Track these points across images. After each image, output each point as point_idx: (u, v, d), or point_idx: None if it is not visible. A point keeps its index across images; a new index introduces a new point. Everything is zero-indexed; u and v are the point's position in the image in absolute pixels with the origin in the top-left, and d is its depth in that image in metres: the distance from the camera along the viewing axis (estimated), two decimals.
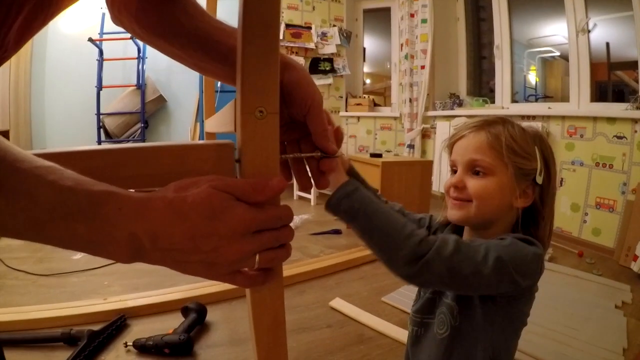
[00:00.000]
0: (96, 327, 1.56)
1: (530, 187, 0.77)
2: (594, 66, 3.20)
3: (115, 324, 1.64)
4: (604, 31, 3.15)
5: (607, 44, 3.16)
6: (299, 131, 0.58)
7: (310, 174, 0.61)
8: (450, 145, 0.84)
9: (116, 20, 0.65)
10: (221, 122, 0.79)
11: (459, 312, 0.77)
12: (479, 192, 0.76)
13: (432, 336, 0.82)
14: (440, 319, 0.80)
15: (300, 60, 4.84)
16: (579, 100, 3.25)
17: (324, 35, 5.09)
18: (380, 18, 5.28)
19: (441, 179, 4.29)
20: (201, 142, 0.51)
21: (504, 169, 0.75)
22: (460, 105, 4.35)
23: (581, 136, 3.07)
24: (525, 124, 0.81)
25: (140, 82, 4.48)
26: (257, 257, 0.44)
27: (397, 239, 0.65)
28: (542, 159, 0.77)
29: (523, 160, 0.75)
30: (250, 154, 0.45)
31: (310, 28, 5.04)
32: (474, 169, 0.77)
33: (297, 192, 4.32)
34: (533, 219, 0.79)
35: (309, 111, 0.54)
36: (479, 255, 0.65)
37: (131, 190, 0.42)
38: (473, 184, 0.77)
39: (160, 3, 0.60)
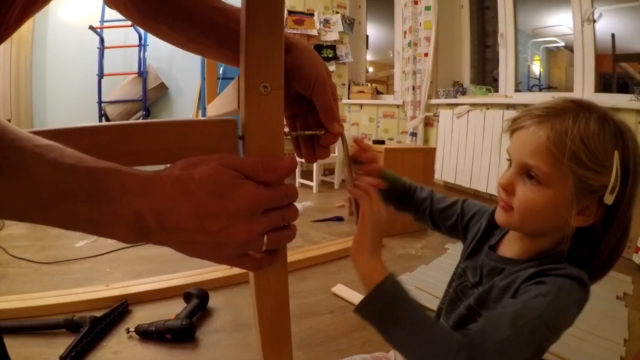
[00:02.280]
0: (98, 314, 1.57)
1: (596, 203, 0.62)
2: (599, 57, 3.17)
3: (118, 310, 1.64)
4: (610, 22, 3.12)
5: (613, 35, 3.13)
6: (307, 104, 0.57)
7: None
8: (511, 132, 0.71)
9: (111, 3, 0.62)
10: (223, 102, 0.77)
11: None
12: (526, 205, 0.64)
13: None
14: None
15: None
16: (583, 90, 3.23)
17: (326, 22, 5.05)
18: (383, 5, 5.24)
19: (443, 167, 4.28)
20: (204, 118, 0.50)
21: (562, 181, 0.61)
22: (463, 93, 4.32)
23: None
24: (609, 112, 0.65)
25: (142, 69, 4.45)
26: (265, 238, 0.43)
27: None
28: (620, 169, 0.59)
29: (591, 174, 0.59)
30: (255, 131, 0.44)
31: (312, 15, 5.00)
32: (528, 172, 0.64)
33: (299, 180, 4.31)
34: (594, 240, 0.64)
35: (314, 90, 0.53)
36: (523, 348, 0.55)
37: (135, 167, 0.41)
38: (522, 192, 0.65)
39: None
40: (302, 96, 0.56)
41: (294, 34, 4.82)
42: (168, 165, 0.42)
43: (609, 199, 0.59)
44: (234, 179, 0.40)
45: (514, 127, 0.69)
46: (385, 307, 0.59)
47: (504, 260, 0.72)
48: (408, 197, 0.90)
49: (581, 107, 0.63)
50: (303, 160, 0.62)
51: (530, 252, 0.69)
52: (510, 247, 0.74)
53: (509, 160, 0.70)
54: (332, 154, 4.04)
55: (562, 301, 0.58)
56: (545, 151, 0.61)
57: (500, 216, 0.69)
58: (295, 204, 0.46)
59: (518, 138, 0.67)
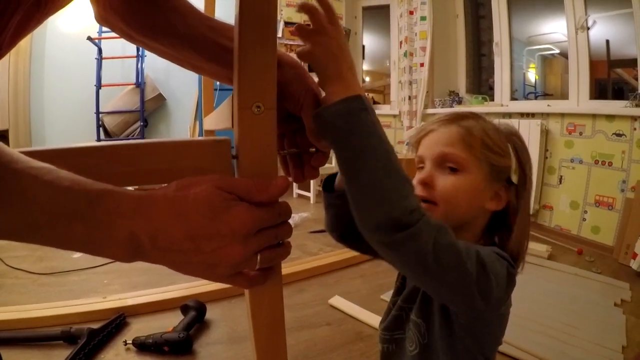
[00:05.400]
0: (96, 326, 1.56)
1: (504, 188, 0.70)
2: (594, 64, 3.19)
3: (115, 322, 1.64)
4: (604, 28, 3.14)
5: (607, 42, 3.16)
6: (296, 123, 0.57)
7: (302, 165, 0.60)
8: (417, 141, 0.75)
9: (101, 19, 0.62)
10: (219, 119, 0.78)
11: (426, 329, 0.70)
12: (449, 192, 0.67)
13: (404, 353, 0.75)
14: (409, 336, 0.73)
15: None
16: (579, 97, 3.25)
17: None
18: (379, 15, 5.26)
19: None
20: (198, 138, 0.51)
21: (477, 165, 0.67)
22: (459, 102, 4.34)
23: (580, 134, 3.07)
24: (500, 121, 0.75)
25: (140, 80, 4.46)
26: (259, 257, 0.43)
27: (390, 194, 0.50)
28: (517, 158, 0.70)
29: (497, 157, 0.68)
30: (248, 150, 0.45)
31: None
32: (444, 164, 0.69)
33: (296, 190, 4.31)
34: (505, 225, 0.71)
35: (303, 107, 0.54)
36: (462, 249, 0.54)
37: (129, 187, 0.41)
38: (443, 182, 0.68)
39: (148, 0, 0.58)
40: (290, 115, 0.56)
41: (291, 44, 4.84)
42: (163, 185, 0.43)
43: (515, 178, 0.69)
44: (228, 200, 0.41)
45: (422, 134, 0.74)
46: (359, 111, 0.50)
47: None
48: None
49: (479, 116, 0.73)
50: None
51: None
52: None
53: (419, 167, 0.73)
54: (328, 165, 4.03)
55: (491, 256, 0.60)
56: (459, 140, 0.68)
57: None
58: (293, 215, 0.46)
59: (430, 139, 0.72)
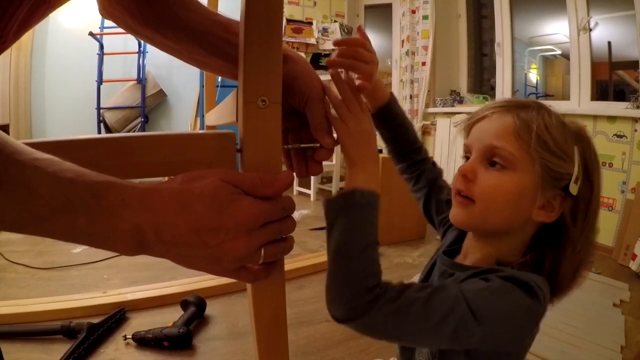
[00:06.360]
0: (95, 320, 1.57)
1: (559, 197, 0.59)
2: (595, 65, 3.19)
3: (115, 317, 1.64)
4: (606, 30, 3.14)
5: (609, 43, 3.16)
6: (300, 119, 0.57)
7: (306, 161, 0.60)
8: (469, 127, 0.67)
9: (106, 12, 0.62)
10: (222, 113, 0.78)
11: (438, 350, 0.65)
12: (489, 190, 0.59)
13: None
14: (419, 350, 0.70)
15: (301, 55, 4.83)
16: (580, 98, 3.24)
17: (324, 31, 5.07)
18: (381, 14, 5.26)
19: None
20: (202, 131, 0.51)
21: (528, 165, 0.58)
22: (460, 102, 4.33)
23: None
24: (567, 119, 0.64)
25: (141, 76, 4.45)
26: (263, 251, 0.43)
27: (343, 293, 0.54)
28: (582, 165, 0.59)
29: (556, 159, 0.58)
30: (253, 144, 0.45)
31: (311, 23, 5.02)
32: (491, 158, 0.60)
33: (297, 188, 4.31)
34: (558, 242, 0.61)
35: (307, 103, 0.54)
36: (433, 316, 0.52)
37: (134, 180, 0.41)
38: (485, 178, 0.60)
39: None
40: (295, 111, 0.56)
41: (293, 42, 4.84)
42: (166, 178, 0.43)
43: (574, 188, 0.58)
44: (233, 194, 0.40)
45: (474, 120, 0.66)
46: (347, 209, 0.54)
47: (454, 265, 0.68)
48: (407, 154, 0.91)
49: (542, 106, 0.64)
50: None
51: (490, 259, 0.64)
52: (470, 256, 0.68)
53: (466, 156, 0.66)
54: (330, 162, 4.03)
55: (498, 296, 0.54)
56: (511, 134, 0.59)
57: (457, 214, 0.63)
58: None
59: (480, 127, 0.64)
